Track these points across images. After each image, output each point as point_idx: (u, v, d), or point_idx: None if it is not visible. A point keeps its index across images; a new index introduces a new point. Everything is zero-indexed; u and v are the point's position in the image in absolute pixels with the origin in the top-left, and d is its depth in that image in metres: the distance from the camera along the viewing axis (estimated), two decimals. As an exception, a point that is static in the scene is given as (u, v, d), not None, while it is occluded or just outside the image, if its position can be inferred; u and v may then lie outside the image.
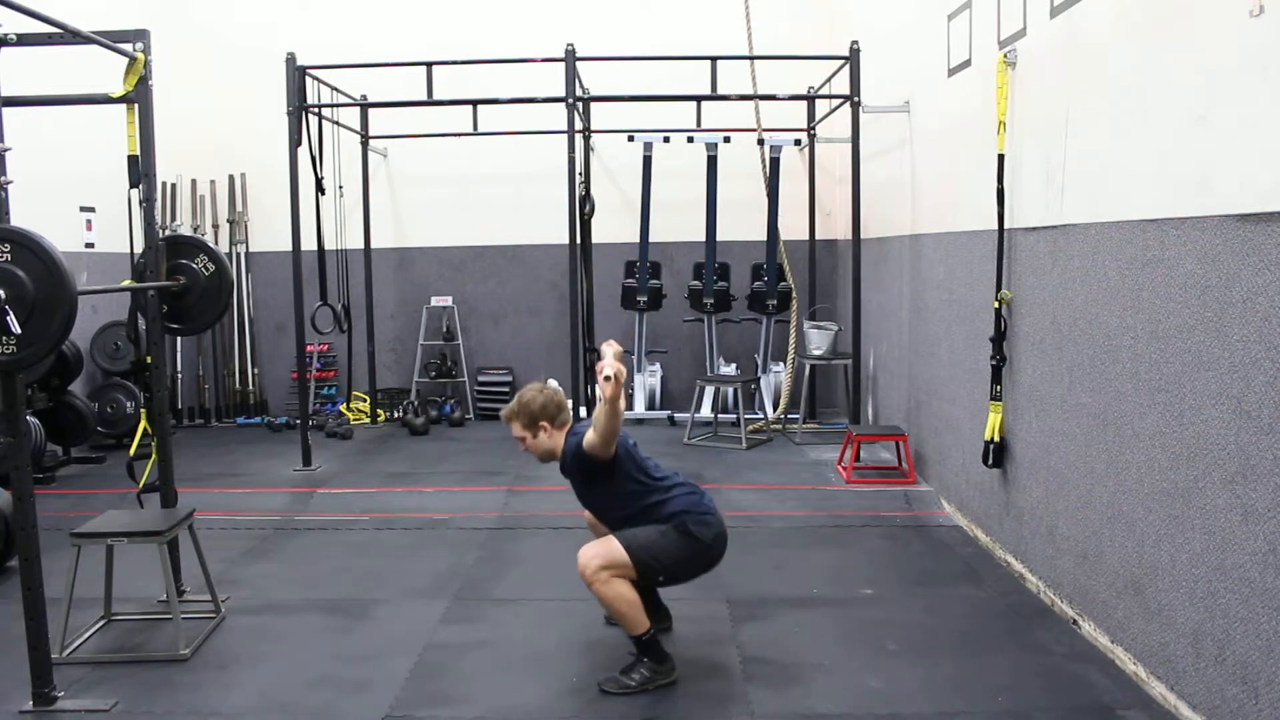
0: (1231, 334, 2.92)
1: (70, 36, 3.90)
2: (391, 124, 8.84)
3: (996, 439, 4.74)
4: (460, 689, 3.56)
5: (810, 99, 8.38)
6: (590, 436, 3.48)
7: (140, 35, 4.13)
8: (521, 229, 9.19)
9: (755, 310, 8.42)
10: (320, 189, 7.55)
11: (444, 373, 9.16)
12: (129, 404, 7.65)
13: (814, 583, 4.62)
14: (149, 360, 4.31)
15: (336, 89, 7.79)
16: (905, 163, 6.64)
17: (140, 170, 4.19)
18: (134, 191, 4.23)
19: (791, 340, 8.13)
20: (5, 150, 3.38)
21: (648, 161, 8.24)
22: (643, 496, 3.62)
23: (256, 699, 3.50)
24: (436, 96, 7.32)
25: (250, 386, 9.28)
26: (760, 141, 7.97)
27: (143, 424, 4.41)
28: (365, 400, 9.09)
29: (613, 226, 8.75)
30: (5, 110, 3.44)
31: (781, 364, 8.46)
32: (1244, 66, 2.85)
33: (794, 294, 8.21)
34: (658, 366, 8.92)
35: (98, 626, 4.10)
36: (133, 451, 4.60)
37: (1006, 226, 4.63)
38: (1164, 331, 3.30)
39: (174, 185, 8.97)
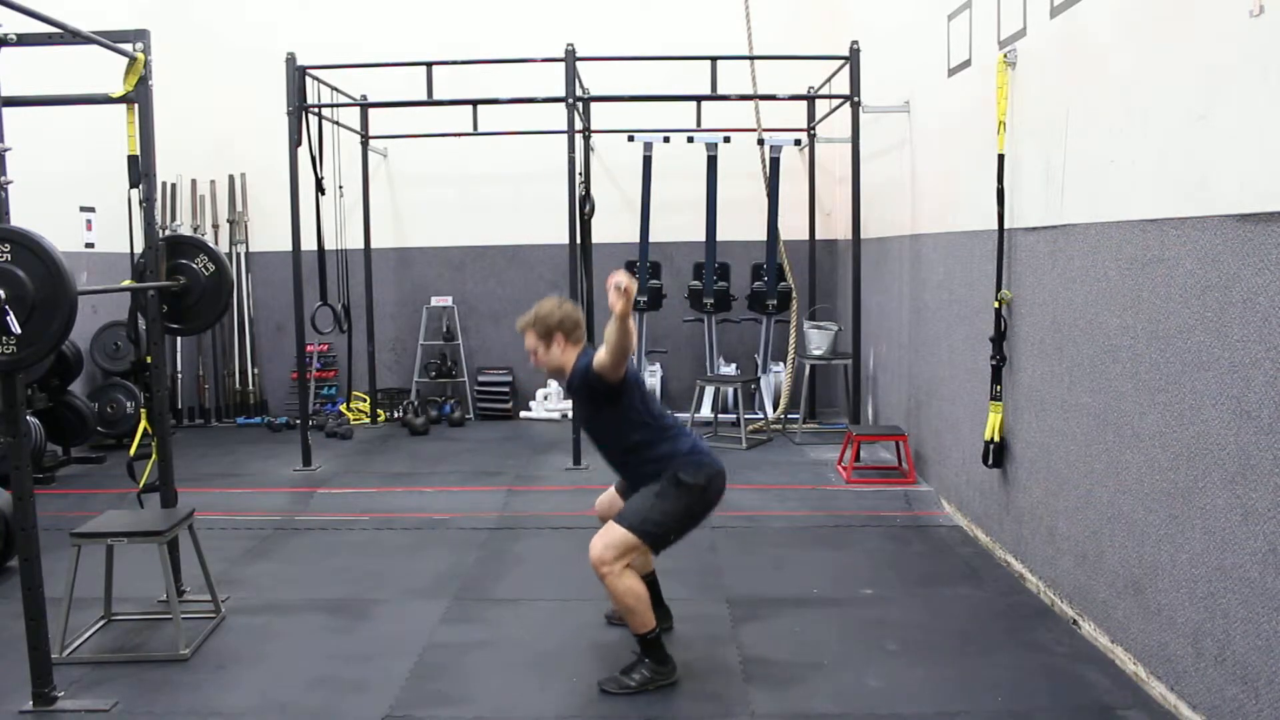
0: (1231, 334, 2.92)
1: (70, 36, 3.90)
2: (391, 124, 8.84)
3: (996, 439, 4.74)
4: (460, 689, 3.56)
5: (810, 99, 8.38)
6: (600, 355, 3.40)
7: (140, 35, 4.13)
8: (521, 229, 9.19)
9: (755, 310, 8.42)
10: (320, 189, 7.55)
11: (444, 373, 9.16)
12: (129, 404, 7.65)
13: (814, 583, 4.62)
14: (149, 360, 4.31)
15: (336, 89, 7.79)
16: (905, 163, 6.64)
17: (140, 170, 4.19)
18: (134, 191, 4.23)
19: (791, 340, 8.13)
20: (5, 150, 3.38)
21: (648, 161, 8.24)
22: (642, 430, 3.57)
23: (256, 699, 3.50)
24: (436, 96, 7.32)
25: (250, 386, 9.28)
26: (760, 141, 7.97)
27: (143, 424, 4.41)
28: (365, 400, 9.09)
29: (613, 226, 8.74)
30: (5, 110, 3.44)
31: (781, 364, 8.46)
32: (1244, 66, 2.85)
33: (794, 294, 8.21)
34: (658, 366, 8.92)
35: (98, 626, 4.10)
36: (133, 451, 4.60)
37: (1006, 226, 4.63)
38: (1164, 331, 3.30)
39: (174, 185, 8.97)
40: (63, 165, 7.27)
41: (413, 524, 5.69)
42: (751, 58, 7.72)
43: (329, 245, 7.92)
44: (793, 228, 8.66)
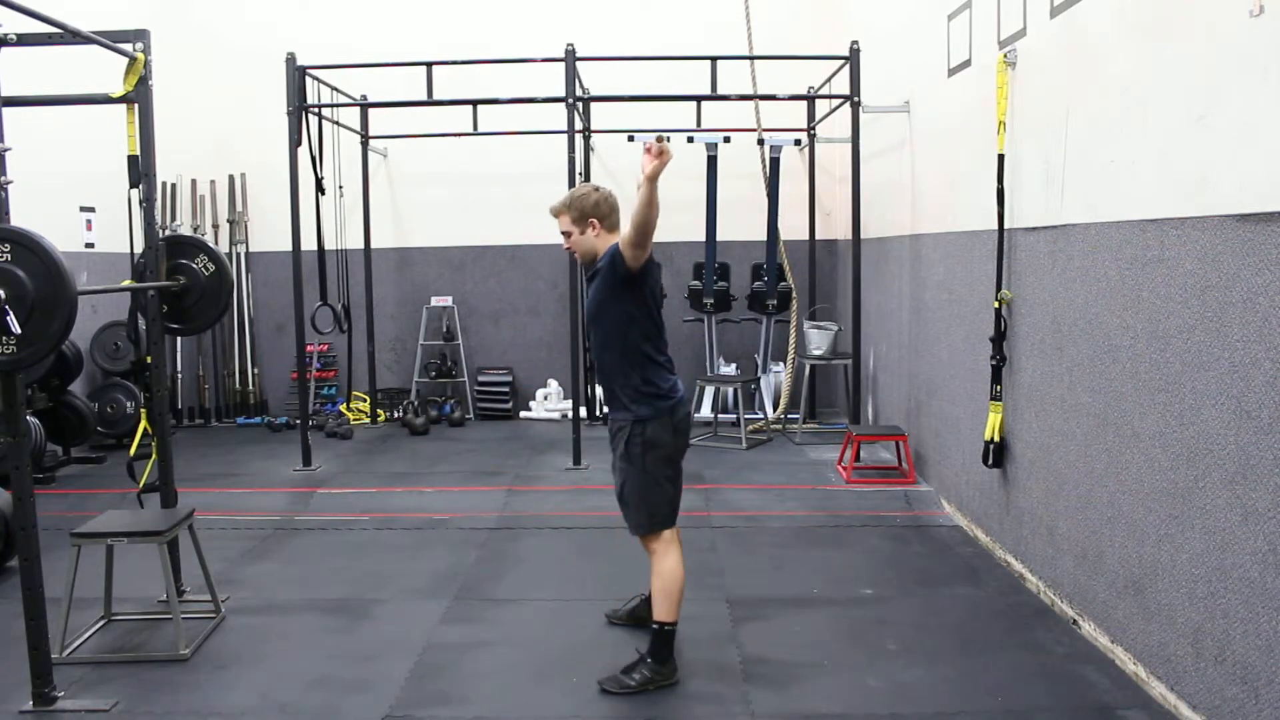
0: (1231, 334, 2.92)
1: (70, 36, 3.90)
2: (391, 124, 8.84)
3: (996, 439, 4.74)
4: (460, 689, 3.56)
5: (810, 99, 8.38)
6: (625, 230, 3.32)
7: (140, 35, 4.13)
8: (521, 229, 9.19)
9: (755, 310, 8.42)
10: (320, 189, 7.55)
11: (444, 373, 9.16)
12: (129, 404, 7.65)
13: (814, 583, 4.62)
14: (149, 360, 4.31)
15: (336, 89, 7.79)
16: (905, 163, 6.64)
17: (140, 170, 4.19)
18: (134, 191, 4.23)
19: (791, 340, 8.13)
20: (5, 150, 3.38)
21: (648, 162, 8.23)
22: (640, 335, 3.52)
23: (256, 699, 3.50)
24: (436, 96, 7.32)
25: (250, 386, 9.28)
26: (760, 141, 7.96)
27: (143, 424, 4.41)
28: (365, 400, 9.09)
29: (613, 226, 8.72)
30: (5, 110, 3.44)
31: (781, 364, 8.46)
32: (1244, 66, 2.85)
33: (794, 294, 8.21)
34: (658, 366, 8.90)
35: (98, 626, 4.10)
36: (133, 451, 4.59)
37: (1006, 226, 4.63)
38: (1164, 331, 3.30)
39: (174, 185, 8.97)
40: (63, 165, 7.27)
41: (413, 524, 5.69)
42: (751, 58, 7.72)
43: (329, 245, 7.92)
44: (793, 228, 8.66)
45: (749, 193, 8.52)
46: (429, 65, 7.24)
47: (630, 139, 8.20)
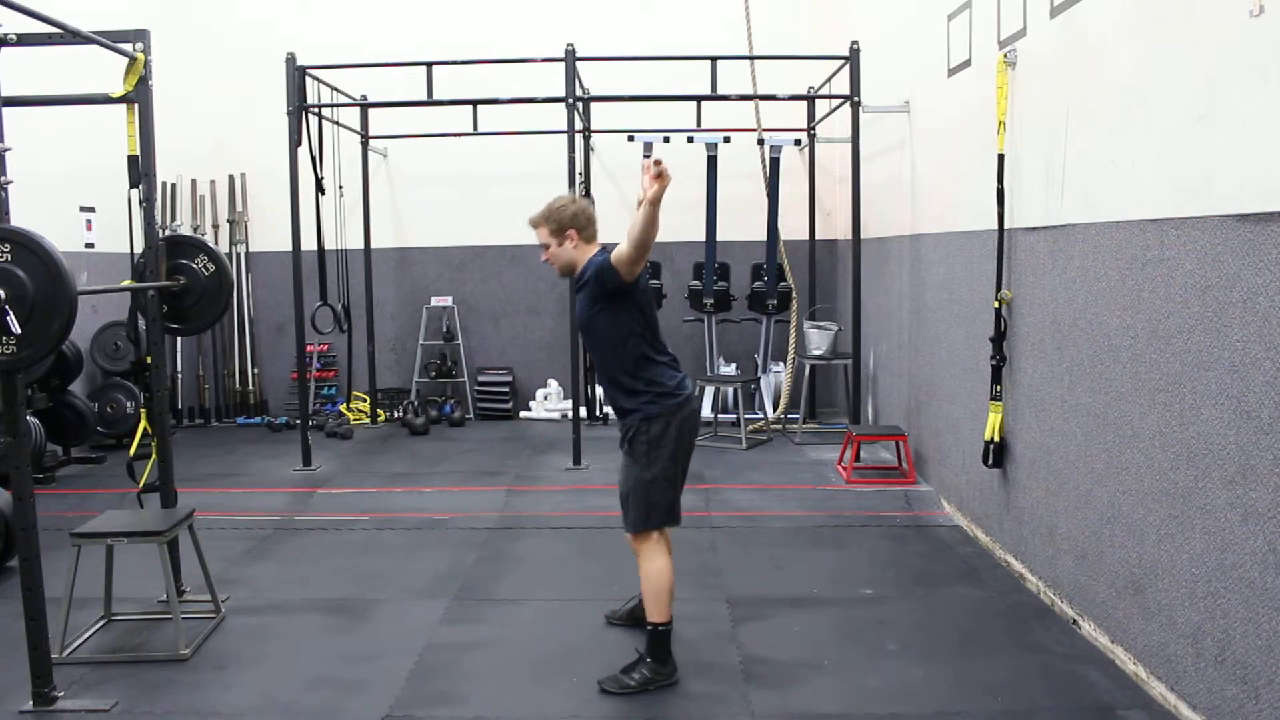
0: (1231, 334, 2.92)
1: (70, 36, 3.91)
2: (391, 124, 8.84)
3: (996, 439, 4.74)
4: (460, 689, 3.56)
5: (810, 99, 8.37)
6: (622, 246, 3.30)
7: (140, 35, 4.13)
8: (522, 229, 9.00)
9: (755, 310, 8.41)
10: (320, 189, 7.55)
11: (444, 373, 9.16)
12: (129, 404, 7.65)
13: (814, 583, 4.62)
14: (149, 360, 4.31)
15: (336, 89, 7.79)
16: (905, 163, 6.64)
17: (140, 170, 4.19)
18: (134, 191, 4.23)
19: (791, 340, 8.13)
20: (5, 150, 3.38)
21: (648, 162, 8.23)
22: (639, 342, 3.50)
23: (256, 699, 3.51)
24: (437, 96, 7.31)
25: (250, 386, 9.28)
26: (760, 141, 7.96)
27: (143, 424, 4.41)
28: (365, 400, 9.09)
29: (613, 226, 8.66)
30: (5, 110, 3.44)
31: (781, 364, 8.45)
32: (1244, 66, 2.85)
33: (794, 294, 8.21)
34: (658, 366, 8.90)
35: (98, 626, 4.10)
36: (133, 451, 4.60)
37: (1006, 226, 4.63)
38: (1164, 331, 3.30)
39: (174, 185, 8.97)
40: (63, 165, 7.27)
41: (413, 524, 5.69)
42: (751, 58, 7.72)
43: (329, 245, 7.92)
44: (793, 228, 8.65)
45: (749, 193, 8.52)
46: (429, 65, 7.24)
47: (630, 139, 8.21)
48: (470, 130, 7.95)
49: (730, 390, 8.29)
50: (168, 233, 6.40)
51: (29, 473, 3.40)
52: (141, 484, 4.40)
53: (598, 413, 8.63)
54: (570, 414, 7.40)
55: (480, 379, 9.23)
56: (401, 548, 5.28)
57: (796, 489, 6.24)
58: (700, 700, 3.46)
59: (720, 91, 7.39)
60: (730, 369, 8.72)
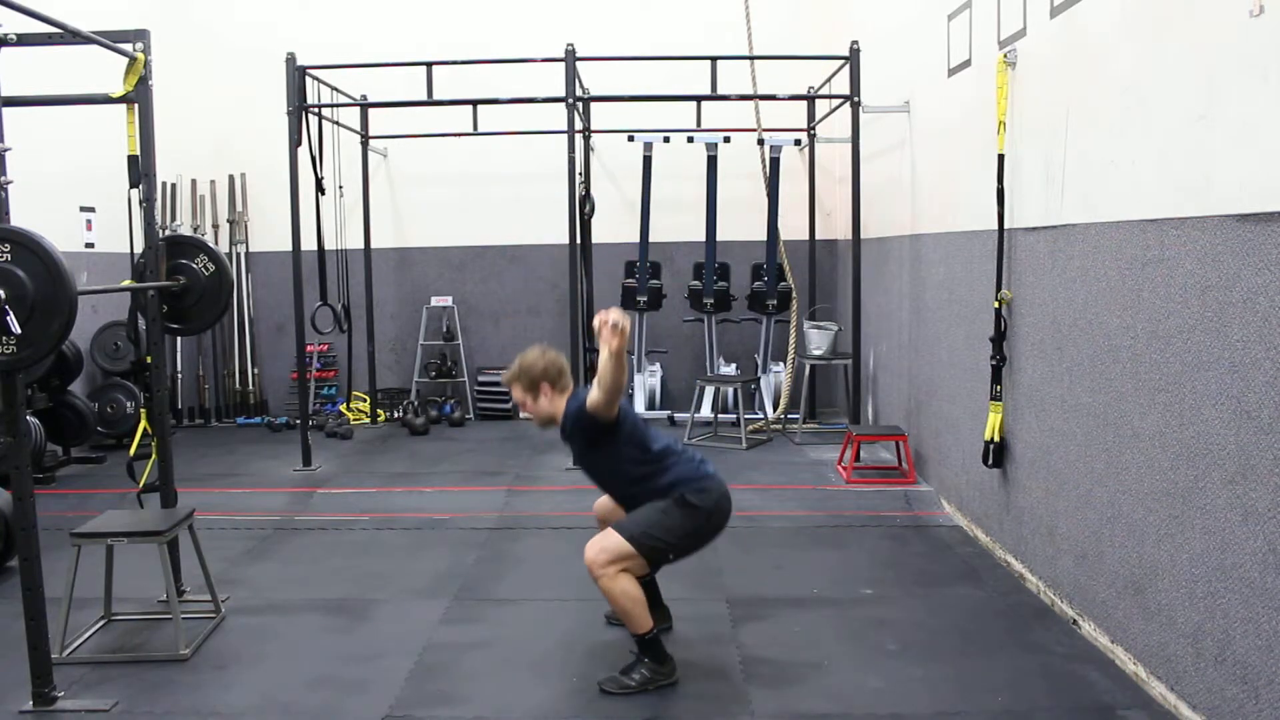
0: (1231, 334, 2.92)
1: (70, 36, 3.90)
2: (391, 124, 8.84)
3: (996, 439, 4.74)
4: (460, 689, 3.56)
5: (810, 99, 8.37)
6: (594, 393, 3.40)
7: (140, 35, 4.13)
8: (521, 229, 9.19)
9: (755, 310, 8.42)
10: (320, 189, 7.55)
11: (444, 373, 9.16)
12: (129, 404, 7.65)
13: (814, 583, 4.62)
14: (149, 360, 4.31)
15: (336, 89, 7.79)
16: (905, 163, 6.64)
17: (140, 170, 4.18)
18: (134, 191, 4.23)
19: (791, 340, 8.13)
20: (5, 150, 3.38)
21: (648, 161, 8.24)
22: (642, 464, 3.59)
23: (256, 699, 3.50)
24: (436, 96, 7.31)
25: (250, 386, 9.28)
26: (760, 141, 7.96)
27: (143, 424, 4.41)
28: (365, 400, 9.09)
29: (613, 226, 8.75)
30: (5, 110, 3.44)
31: (781, 364, 8.45)
32: (1244, 66, 2.85)
33: (794, 294, 8.21)
34: (658, 366, 8.92)
35: (98, 626, 4.10)
36: (133, 451, 4.60)
37: (1006, 226, 4.63)
38: (1164, 331, 3.30)
39: (174, 185, 8.97)
40: (63, 165, 7.27)
41: (413, 524, 5.69)
42: (751, 58, 7.72)
43: (329, 245, 7.92)
44: (793, 228, 8.65)
45: (749, 193, 8.52)
46: (429, 65, 7.24)
47: (630, 139, 8.22)
48: (470, 130, 7.95)
49: (730, 390, 8.29)
50: (168, 233, 6.40)
51: (29, 473, 3.40)
52: (141, 484, 4.40)
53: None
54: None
55: (480, 379, 9.23)
56: (401, 548, 5.28)
57: (796, 489, 6.24)
58: (700, 700, 3.46)
59: (720, 91, 7.39)
60: (730, 369, 8.72)
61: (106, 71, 4.50)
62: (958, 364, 5.43)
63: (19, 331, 3.10)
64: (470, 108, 7.81)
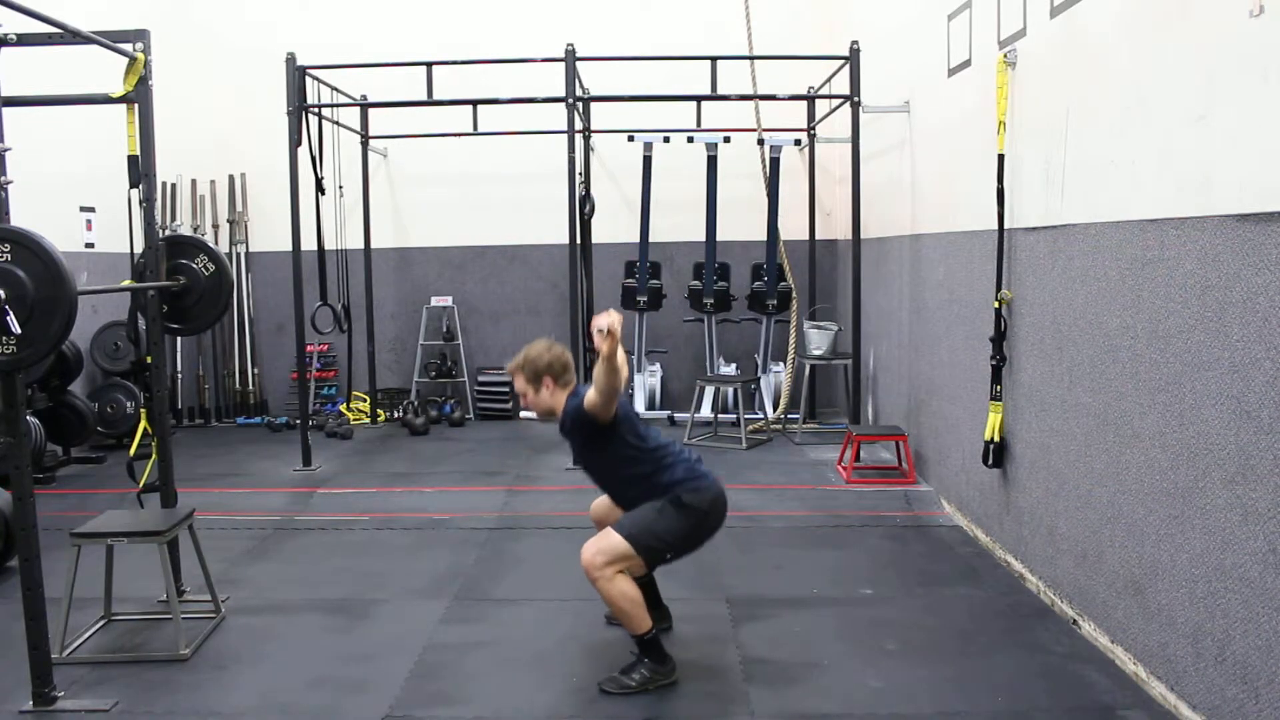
0: (1231, 334, 2.92)
1: (70, 36, 3.90)
2: (391, 124, 8.84)
3: (996, 439, 4.74)
4: (460, 689, 3.56)
5: (810, 99, 8.38)
6: (591, 395, 3.42)
7: (140, 35, 4.12)
8: (521, 229, 9.19)
9: (755, 310, 8.42)
10: (320, 189, 7.56)
11: (444, 373, 9.16)
12: (129, 404, 7.65)
13: (814, 583, 4.62)
14: (149, 360, 4.31)
15: (336, 89, 7.79)
16: (905, 163, 6.64)
17: (140, 170, 4.18)
18: (134, 191, 4.23)
19: (791, 340, 8.13)
20: (5, 150, 3.38)
21: (648, 161, 8.24)
22: (638, 464, 3.59)
23: (256, 699, 3.50)
24: (436, 96, 7.32)
25: (250, 386, 9.28)
26: (760, 141, 7.97)
27: (143, 424, 4.41)
28: (365, 400, 9.09)
29: (613, 226, 8.75)
30: (5, 110, 3.44)
31: (781, 364, 8.46)
32: (1244, 66, 2.85)
33: (794, 294, 8.21)
34: (658, 366, 8.92)
35: (98, 626, 4.10)
36: (133, 451, 4.59)
37: (1006, 226, 4.63)
38: (1164, 331, 3.30)
39: (174, 185, 8.97)
40: (63, 165, 7.28)
41: (413, 524, 5.69)
42: (751, 58, 7.72)
43: (329, 245, 7.92)
44: (793, 228, 8.66)
45: (749, 193, 8.53)
46: (429, 65, 7.24)
47: (630, 139, 8.22)
48: (470, 130, 7.96)
49: (730, 390, 8.29)
50: (168, 233, 6.40)
51: (29, 473, 3.40)
52: (141, 484, 4.40)
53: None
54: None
55: (480, 379, 9.23)
56: (401, 548, 5.28)
57: (796, 489, 6.24)
58: (700, 700, 3.46)
59: (720, 91, 7.40)
60: (730, 369, 8.73)
61: (106, 71, 4.50)
62: (958, 364, 5.43)
63: (19, 331, 3.10)
64: (470, 108, 7.82)
